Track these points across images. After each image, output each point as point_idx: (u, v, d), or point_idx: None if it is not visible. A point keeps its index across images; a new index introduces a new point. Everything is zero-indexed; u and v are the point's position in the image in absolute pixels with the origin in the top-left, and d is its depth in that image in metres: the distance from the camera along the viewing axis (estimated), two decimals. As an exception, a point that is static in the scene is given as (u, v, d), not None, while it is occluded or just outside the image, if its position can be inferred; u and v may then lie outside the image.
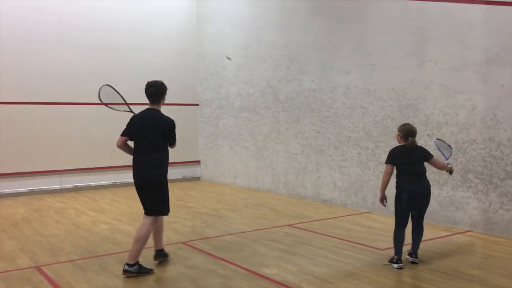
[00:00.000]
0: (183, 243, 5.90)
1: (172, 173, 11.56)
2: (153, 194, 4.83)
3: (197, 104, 11.86)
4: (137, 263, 4.70)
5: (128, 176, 10.92)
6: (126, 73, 10.83)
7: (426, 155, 5.08)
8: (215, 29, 11.21)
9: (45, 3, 9.81)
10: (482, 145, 6.22)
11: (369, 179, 7.73)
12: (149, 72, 11.11)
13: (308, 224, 6.90)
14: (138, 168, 4.87)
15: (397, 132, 5.13)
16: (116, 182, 10.71)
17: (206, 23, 11.53)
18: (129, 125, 4.94)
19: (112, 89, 5.47)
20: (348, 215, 7.47)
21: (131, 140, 4.93)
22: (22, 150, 9.58)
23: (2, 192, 9.35)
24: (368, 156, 7.74)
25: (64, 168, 10.08)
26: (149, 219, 4.83)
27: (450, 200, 6.62)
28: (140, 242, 4.70)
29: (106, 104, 5.42)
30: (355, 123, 7.91)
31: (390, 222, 6.97)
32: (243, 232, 6.44)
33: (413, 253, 5.07)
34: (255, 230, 6.54)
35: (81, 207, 8.38)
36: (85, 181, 10.34)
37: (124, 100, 5.43)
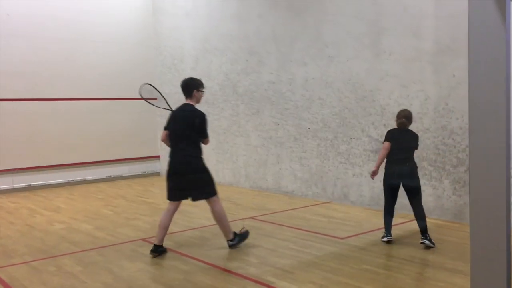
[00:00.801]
0: (143, 239, 5.80)
1: (132, 169, 11.47)
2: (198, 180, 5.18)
3: (155, 98, 11.62)
4: (234, 234, 5.27)
5: (85, 174, 10.71)
6: (82, 68, 10.50)
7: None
8: (172, 22, 11.02)
9: None
10: (435, 134, 6.42)
11: (328, 169, 7.84)
12: (106, 66, 10.85)
13: (270, 216, 6.94)
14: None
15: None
16: (73, 180, 10.40)
17: (162, 15, 11.31)
18: (168, 119, 5.37)
19: (152, 87, 6.13)
20: (309, 206, 7.56)
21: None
22: (-30, 149, 9.14)
23: (-50, 193, 8.90)
24: (327, 147, 7.84)
25: (16, 167, 9.68)
26: (214, 200, 5.25)
27: (406, 188, 6.80)
28: (223, 220, 5.24)
29: (146, 99, 6.02)
30: (314, 115, 7.99)
31: (350, 211, 7.12)
32: (205, 226, 6.40)
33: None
34: (216, 224, 6.49)
35: (35, 206, 8.09)
36: (39, 180, 9.98)
37: (164, 98, 5.99)
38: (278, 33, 8.53)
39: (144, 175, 11.43)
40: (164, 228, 5.17)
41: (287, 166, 8.55)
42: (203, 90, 5.46)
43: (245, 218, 6.82)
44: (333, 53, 7.62)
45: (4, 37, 9.50)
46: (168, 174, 5.25)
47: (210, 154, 10.24)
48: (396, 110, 6.78)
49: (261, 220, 6.68)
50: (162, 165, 11.74)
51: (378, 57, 7.02)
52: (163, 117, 11.50)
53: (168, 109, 5.72)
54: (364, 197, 7.37)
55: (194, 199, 5.25)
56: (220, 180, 10.02)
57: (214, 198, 5.27)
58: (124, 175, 11.15)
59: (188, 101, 5.32)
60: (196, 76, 10.38)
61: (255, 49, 9.01)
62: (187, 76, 10.70)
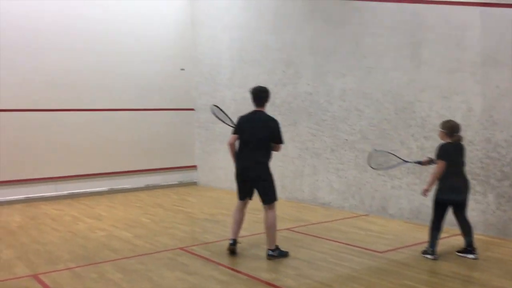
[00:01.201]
0: (181, 248, 5.87)
1: (169, 178, 11.66)
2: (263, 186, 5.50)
3: (192, 109, 11.83)
4: (277, 247, 5.38)
5: (124, 182, 10.98)
6: (121, 79, 10.80)
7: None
8: (210, 34, 11.20)
9: (39, 8, 9.76)
10: (479, 146, 6.24)
11: (366, 181, 7.74)
12: (144, 77, 11.13)
13: (306, 227, 6.89)
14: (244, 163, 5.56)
15: (441, 129, 5.25)
16: (112, 188, 10.66)
17: (200, 27, 11.52)
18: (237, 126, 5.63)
19: (219, 109, 6.55)
20: (345, 218, 7.47)
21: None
22: (16, 158, 9.51)
23: (-2, 200, 9.28)
24: (365, 158, 7.74)
25: (60, 175, 10.01)
26: (271, 208, 5.49)
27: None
28: (273, 228, 5.38)
29: (217, 117, 6.50)
30: (352, 126, 7.92)
31: (388, 224, 6.99)
32: (241, 236, 6.39)
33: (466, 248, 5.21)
34: (253, 235, 6.52)
35: (77, 214, 8.32)
36: (81, 188, 10.27)
37: (229, 118, 6.36)
38: (315, 45, 8.53)
39: (181, 185, 11.58)
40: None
41: (323, 178, 8.49)
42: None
43: (282, 229, 6.79)
44: (372, 64, 7.55)
45: (47, 50, 9.88)
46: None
47: (247, 165, 10.29)
48: (438, 122, 6.63)
49: (297, 232, 6.65)
50: (199, 175, 11.89)
51: (419, 68, 6.90)
52: (201, 128, 11.69)
53: (231, 126, 5.95)
54: (403, 210, 7.22)
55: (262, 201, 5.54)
56: (256, 191, 10.03)
57: (273, 204, 5.52)
58: (161, 184, 11.34)
59: (260, 109, 5.56)
60: (232, 87, 10.62)
61: (292, 60, 9.04)
62: (224, 87, 10.94)
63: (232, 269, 4.99)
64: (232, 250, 5.47)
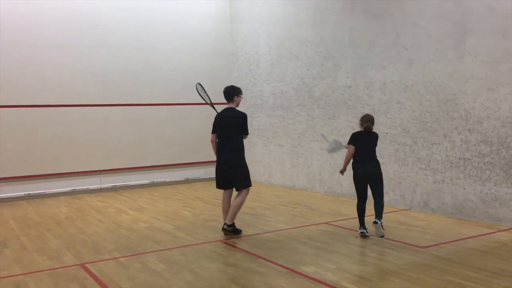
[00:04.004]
0: (221, 241, 5.96)
1: (208, 171, 11.80)
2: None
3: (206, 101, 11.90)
4: (233, 224, 6.10)
5: (164, 176, 11.21)
6: (163, 75, 11.02)
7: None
8: (248, 29, 11.25)
9: (81, 7, 10.07)
10: (527, 140, 6.00)
11: (407, 175, 7.60)
12: (183, 73, 11.31)
13: (346, 221, 6.85)
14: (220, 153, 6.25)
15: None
16: (153, 182, 10.91)
17: (239, 23, 11.57)
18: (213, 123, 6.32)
19: (201, 88, 7.12)
20: (386, 212, 7.34)
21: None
22: (63, 152, 9.89)
23: (46, 192, 9.68)
24: (406, 152, 7.60)
25: (104, 168, 10.34)
26: (243, 192, 6.15)
27: (493, 196, 6.43)
28: (238, 208, 6.11)
29: (200, 95, 7.08)
30: (392, 119, 7.79)
31: (430, 219, 6.85)
32: (280, 230, 6.45)
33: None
34: (292, 228, 6.54)
35: (120, 206, 8.58)
36: (124, 181, 10.58)
37: (209, 98, 7.00)
38: (355, 37, 8.42)
39: (220, 178, 11.70)
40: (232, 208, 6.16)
41: (363, 172, 8.38)
42: (242, 96, 6.43)
43: (320, 223, 6.79)
44: (413, 56, 7.39)
45: (90, 47, 10.18)
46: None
47: (285, 159, 10.32)
48: (483, 114, 6.46)
49: (336, 226, 6.62)
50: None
51: (462, 59, 6.70)
52: (239, 121, 11.74)
53: (210, 105, 6.84)
54: (446, 205, 7.05)
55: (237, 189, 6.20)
56: (295, 185, 10.05)
57: (242, 192, 6.15)
58: (201, 177, 11.51)
59: (230, 105, 6.25)
60: (271, 81, 10.65)
61: (331, 53, 8.96)
62: (263, 81, 10.97)
63: (272, 262, 5.02)
64: (225, 234, 6.18)
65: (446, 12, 6.87)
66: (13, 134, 9.40)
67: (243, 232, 6.32)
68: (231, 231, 6.11)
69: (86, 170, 10.13)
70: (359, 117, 8.34)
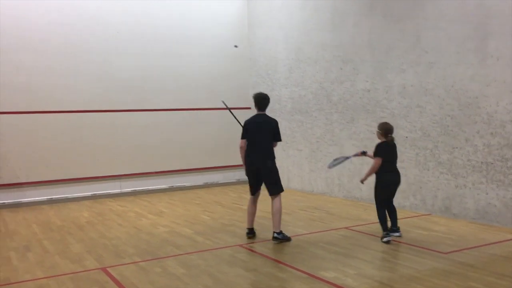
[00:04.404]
0: (240, 245, 5.97)
1: (227, 176, 11.85)
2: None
3: (249, 108, 11.94)
4: (281, 231, 6.03)
5: (184, 180, 11.28)
6: (181, 81, 11.12)
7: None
8: (266, 33, 11.27)
9: (102, 14, 10.23)
10: (552, 143, 5.88)
11: (428, 180, 7.50)
12: (202, 79, 11.39)
13: (365, 226, 6.79)
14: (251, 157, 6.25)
15: (378, 130, 6.12)
16: (172, 186, 10.99)
17: (257, 28, 11.62)
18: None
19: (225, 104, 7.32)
20: (406, 217, 7.28)
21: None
22: (84, 157, 10.04)
23: (68, 196, 9.83)
24: (426, 156, 7.51)
25: (124, 173, 10.46)
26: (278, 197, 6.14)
27: (517, 201, 6.30)
28: (279, 214, 6.05)
29: (230, 109, 7.28)
30: (412, 123, 7.71)
31: (452, 224, 6.75)
32: (300, 235, 6.43)
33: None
34: (311, 233, 6.51)
35: (140, 210, 8.66)
36: (143, 185, 10.68)
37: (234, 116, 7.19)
38: (374, 41, 8.36)
39: (239, 183, 11.73)
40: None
41: (383, 176, 8.30)
42: None
43: (340, 228, 6.74)
44: (433, 59, 7.31)
45: (114, 54, 10.34)
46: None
47: (303, 163, 10.29)
48: (506, 118, 6.36)
49: (356, 231, 6.56)
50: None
51: (484, 62, 6.60)
52: (257, 126, 11.76)
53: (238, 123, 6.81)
54: (468, 210, 6.94)
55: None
56: (313, 189, 10.00)
57: (276, 198, 6.13)
58: (219, 182, 11.55)
59: (262, 112, 6.30)
60: (289, 85, 10.64)
61: (349, 57, 8.92)
62: (281, 86, 10.97)
63: (291, 267, 5.01)
64: (250, 238, 6.30)
65: (467, 14, 6.79)
66: (35, 139, 9.59)
67: (263, 237, 6.32)
68: (282, 238, 6.01)
69: (106, 174, 10.26)
70: (378, 121, 8.32)
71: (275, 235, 6.00)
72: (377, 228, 6.63)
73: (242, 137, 6.27)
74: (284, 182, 10.94)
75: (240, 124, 6.62)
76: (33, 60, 9.56)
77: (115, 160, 10.37)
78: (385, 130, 6.03)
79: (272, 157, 6.17)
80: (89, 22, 10.09)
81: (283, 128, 10.87)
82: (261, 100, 6.28)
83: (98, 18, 10.19)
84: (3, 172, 9.31)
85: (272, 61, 11.09)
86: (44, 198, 9.63)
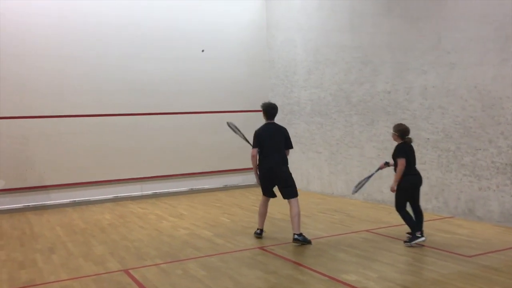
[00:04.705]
0: (260, 248, 5.97)
1: (246, 179, 11.86)
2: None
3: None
4: (301, 233, 6.06)
5: (203, 183, 11.34)
6: (200, 83, 11.19)
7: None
8: (284, 35, 11.27)
9: (123, 19, 10.38)
10: None
11: (450, 182, 7.39)
12: (220, 80, 11.44)
13: (387, 229, 6.72)
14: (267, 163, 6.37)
15: (394, 132, 6.01)
16: (192, 189, 11.06)
17: (275, 30, 11.62)
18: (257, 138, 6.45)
19: (233, 125, 7.41)
20: (429, 220, 7.17)
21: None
22: (105, 160, 10.19)
23: (90, 199, 9.98)
24: (449, 158, 7.40)
25: (145, 176, 10.57)
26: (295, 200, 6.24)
27: (543, 204, 6.16)
28: (298, 216, 6.14)
29: (234, 131, 7.37)
30: (434, 125, 7.61)
31: (476, 227, 6.63)
32: (320, 237, 6.40)
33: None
34: (331, 236, 6.48)
35: (161, 212, 8.73)
36: (164, 188, 10.77)
37: (242, 133, 7.28)
38: (394, 41, 8.29)
39: (257, 185, 11.71)
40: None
41: (404, 178, 8.21)
42: None
43: (361, 231, 6.69)
44: (455, 60, 7.21)
45: (134, 58, 10.47)
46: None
47: (323, 166, 10.24)
48: (530, 119, 6.21)
49: (377, 234, 6.50)
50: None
51: (508, 62, 6.48)
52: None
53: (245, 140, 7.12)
54: (492, 213, 6.81)
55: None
56: (333, 192, 9.95)
57: (292, 201, 6.22)
58: (239, 184, 11.58)
59: (271, 121, 6.51)
60: (308, 88, 10.60)
61: (369, 59, 8.86)
62: (299, 88, 10.95)
63: (312, 269, 4.99)
64: (258, 237, 6.49)
65: (488, 14, 6.68)
66: (59, 143, 9.76)
67: (282, 239, 6.32)
68: (303, 240, 6.02)
69: (128, 177, 10.39)
70: (399, 122, 8.25)
71: (296, 236, 6.02)
72: (399, 231, 6.58)
73: (254, 146, 6.40)
74: (303, 185, 11.00)
75: (248, 142, 6.84)
76: (56, 65, 9.74)
77: (136, 163, 10.49)
78: (402, 131, 5.94)
79: (287, 162, 6.34)
80: (110, 27, 10.24)
81: (302, 131, 10.88)
82: (271, 110, 6.52)
83: (119, 23, 10.33)
84: (28, 175, 9.51)
85: (291, 63, 11.08)
86: (68, 200, 9.80)
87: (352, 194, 6.82)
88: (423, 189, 7.85)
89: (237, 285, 4.63)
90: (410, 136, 5.99)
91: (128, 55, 10.41)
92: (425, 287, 4.35)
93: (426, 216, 7.42)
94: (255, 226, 7.23)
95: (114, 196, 10.22)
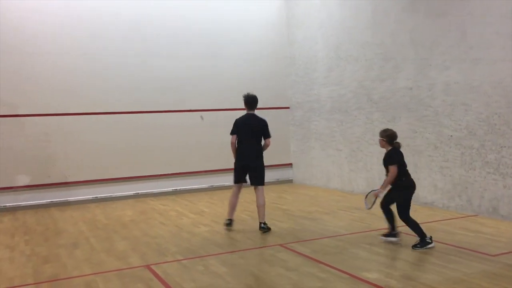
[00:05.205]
0: (281, 245, 5.96)
1: (266, 176, 11.80)
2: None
3: (288, 108, 11.95)
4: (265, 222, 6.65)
5: (223, 180, 11.38)
6: (220, 81, 11.23)
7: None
8: (305, 32, 11.22)
9: (142, 17, 10.47)
10: None
11: (474, 180, 7.27)
12: (241, 78, 11.45)
13: (408, 228, 6.62)
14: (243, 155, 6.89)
15: (381, 138, 5.78)
16: (212, 186, 11.11)
17: (296, 27, 11.58)
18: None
19: None
20: (451, 218, 7.08)
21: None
22: (127, 157, 10.31)
23: (112, 195, 10.12)
24: (472, 156, 7.28)
25: (165, 173, 10.66)
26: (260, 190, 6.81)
27: None
28: (264, 207, 6.77)
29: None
30: (457, 122, 7.48)
31: (500, 226, 6.51)
32: (340, 235, 6.37)
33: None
34: (352, 233, 6.44)
35: (181, 209, 8.80)
36: (184, 185, 10.85)
37: None
38: (416, 37, 8.17)
39: (277, 182, 11.74)
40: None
41: (425, 176, 8.11)
42: None
43: (382, 229, 6.62)
44: (479, 55, 7.07)
45: (158, 56, 10.56)
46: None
47: (343, 163, 10.17)
48: (558, 115, 6.06)
49: (399, 232, 6.42)
50: (295, 173, 11.96)
51: (534, 57, 6.33)
52: (296, 126, 11.75)
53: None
54: (517, 212, 6.67)
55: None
56: (353, 189, 9.88)
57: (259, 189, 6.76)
58: (258, 182, 11.57)
59: (252, 112, 6.88)
60: (329, 85, 10.54)
61: (390, 55, 8.75)
62: (320, 85, 10.89)
63: (333, 267, 4.96)
64: (228, 227, 6.91)
65: (515, 8, 6.53)
66: (82, 140, 9.92)
67: (302, 237, 6.30)
68: (267, 228, 6.65)
69: (148, 174, 10.49)
70: (421, 119, 8.16)
71: (262, 225, 6.62)
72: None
73: (232, 133, 6.88)
74: (323, 182, 10.97)
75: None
76: (78, 63, 9.90)
77: (156, 160, 10.59)
78: (390, 136, 5.72)
79: (262, 156, 6.84)
80: (129, 26, 10.34)
81: (322, 128, 10.83)
82: (251, 101, 6.85)
83: (138, 22, 10.43)
84: (52, 172, 9.69)
85: (311, 60, 11.02)
86: (90, 197, 9.95)
87: (368, 209, 6.22)
88: (446, 187, 7.77)
89: (258, 282, 4.64)
90: (398, 140, 5.83)
91: (147, 54, 10.50)
92: (448, 286, 4.29)
93: (449, 215, 7.36)
94: (276, 223, 7.25)
95: (135, 193, 10.34)
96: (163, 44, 10.67)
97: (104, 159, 10.09)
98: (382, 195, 5.81)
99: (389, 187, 5.73)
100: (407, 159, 8.52)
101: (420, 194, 8.23)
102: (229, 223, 6.90)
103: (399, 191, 5.66)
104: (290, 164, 12.01)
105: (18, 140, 9.44)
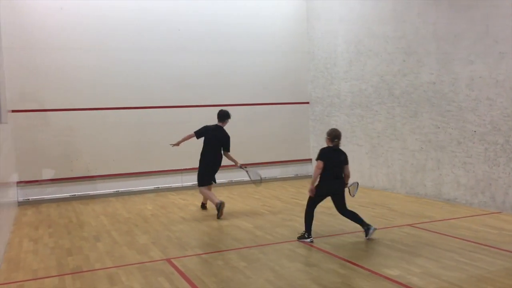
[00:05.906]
0: (300, 240, 5.95)
1: (285, 171, 11.87)
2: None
3: (307, 103, 11.88)
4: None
5: (242, 175, 11.38)
6: (240, 76, 11.22)
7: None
8: (325, 26, 11.12)
9: (165, 13, 10.52)
10: None
11: (498, 176, 7.12)
12: (260, 73, 11.44)
13: (430, 224, 6.55)
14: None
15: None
16: (231, 180, 11.14)
17: (315, 21, 11.49)
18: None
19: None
20: (474, 215, 6.96)
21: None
22: (148, 152, 10.40)
23: (132, 189, 10.23)
24: (497, 151, 7.13)
25: (185, 168, 10.72)
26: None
27: None
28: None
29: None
30: (481, 117, 7.34)
31: (525, 224, 6.37)
32: (360, 231, 6.30)
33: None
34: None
35: (201, 204, 8.83)
36: (204, 180, 10.87)
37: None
38: (440, 31, 8.02)
39: (297, 178, 11.70)
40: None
41: (448, 172, 7.99)
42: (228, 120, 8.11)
43: (403, 225, 6.56)
44: (505, 49, 6.91)
45: (174, 51, 10.61)
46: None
47: (363, 158, 10.08)
48: None
49: (420, 228, 6.35)
50: (314, 168, 11.87)
51: (563, 50, 6.15)
52: (316, 120, 11.69)
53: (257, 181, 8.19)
54: (543, 209, 6.52)
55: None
56: (374, 185, 9.79)
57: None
58: (278, 176, 11.57)
59: (220, 124, 8.06)
60: (349, 79, 10.45)
61: (413, 49, 8.62)
62: (340, 80, 10.81)
63: (353, 263, 4.93)
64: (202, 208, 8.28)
65: (543, 0, 6.35)
66: (104, 135, 10.04)
67: (322, 233, 6.27)
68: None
69: (168, 169, 10.57)
70: (444, 114, 8.04)
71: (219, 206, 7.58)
72: (443, 226, 6.42)
73: (197, 136, 8.16)
74: (343, 178, 10.84)
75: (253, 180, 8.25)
76: (100, 59, 9.99)
77: (176, 154, 10.59)
78: (332, 136, 5.99)
79: (220, 163, 8.14)
80: (152, 21, 10.40)
81: (342, 123, 10.73)
82: (220, 115, 8.07)
83: (160, 17, 10.47)
84: (75, 166, 9.84)
85: (331, 54, 10.93)
86: (111, 191, 10.08)
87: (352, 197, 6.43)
88: (469, 184, 7.63)
89: (278, 277, 4.64)
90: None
91: (169, 49, 10.54)
92: (471, 283, 4.22)
93: (471, 211, 7.24)
94: (294, 218, 7.25)
95: (155, 187, 10.43)
96: (185, 40, 10.67)
97: (125, 154, 10.20)
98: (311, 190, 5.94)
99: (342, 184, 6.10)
100: (430, 154, 8.43)
101: (443, 190, 8.12)
102: (202, 207, 8.40)
103: (319, 185, 5.92)
104: (310, 160, 11.96)
105: (43, 135, 9.62)
